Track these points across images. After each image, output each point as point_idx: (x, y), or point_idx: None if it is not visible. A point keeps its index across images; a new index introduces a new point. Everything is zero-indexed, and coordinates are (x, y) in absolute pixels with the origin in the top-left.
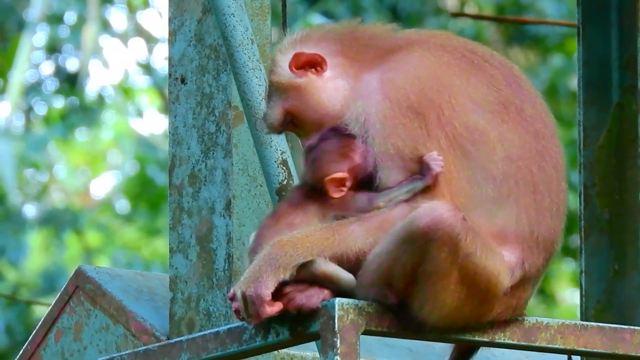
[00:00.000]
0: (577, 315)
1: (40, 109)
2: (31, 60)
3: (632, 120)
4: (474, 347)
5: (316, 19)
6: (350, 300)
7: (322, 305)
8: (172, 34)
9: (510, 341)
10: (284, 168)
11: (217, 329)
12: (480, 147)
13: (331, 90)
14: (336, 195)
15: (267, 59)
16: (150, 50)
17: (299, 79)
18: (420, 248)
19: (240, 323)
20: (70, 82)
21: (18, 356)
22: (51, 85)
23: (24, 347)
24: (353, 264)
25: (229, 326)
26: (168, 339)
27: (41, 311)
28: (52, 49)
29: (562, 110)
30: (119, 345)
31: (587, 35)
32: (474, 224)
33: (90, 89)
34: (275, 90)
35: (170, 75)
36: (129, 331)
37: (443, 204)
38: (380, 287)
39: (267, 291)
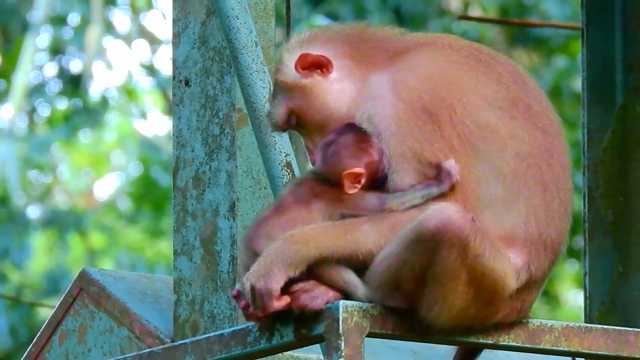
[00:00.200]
0: (581, 317)
1: (44, 111)
2: (34, 61)
3: (636, 122)
4: (477, 349)
5: (320, 20)
6: (355, 303)
7: (326, 307)
8: (176, 36)
9: (514, 343)
10: (288, 170)
11: (221, 332)
12: (491, 144)
13: (337, 91)
14: (350, 191)
15: (271, 61)
16: (153, 52)
17: (304, 79)
18: (430, 250)
19: (244, 325)
20: (74, 84)
21: (22, 358)
22: (55, 86)
23: (28, 349)
24: (362, 264)
25: (233, 329)
26: (172, 342)
27: (45, 313)
28: (56, 50)
29: (565, 111)
30: (123, 348)
31: (591, 36)
32: (483, 225)
33: (94, 91)
34: (280, 89)
35: (174, 77)
36: (133, 333)
37: (452, 205)
38: (388, 289)
39: (277, 285)
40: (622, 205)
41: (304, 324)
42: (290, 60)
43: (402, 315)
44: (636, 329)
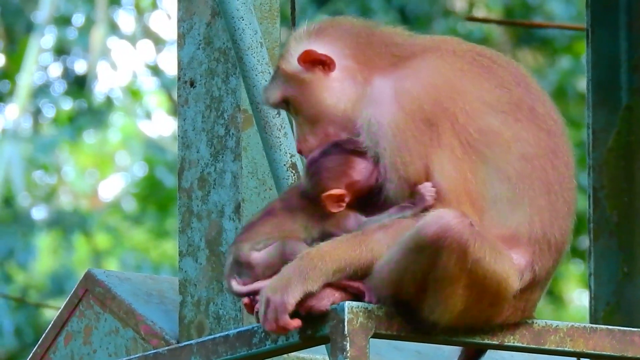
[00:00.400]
0: (585, 317)
1: (49, 111)
2: (39, 62)
3: None
4: (482, 349)
5: None
6: (360, 304)
7: (331, 308)
8: (181, 37)
9: (519, 344)
10: (294, 171)
11: (226, 333)
12: (496, 148)
13: (335, 91)
14: (335, 210)
15: (276, 62)
16: (158, 52)
17: (304, 73)
18: (430, 256)
19: (250, 326)
20: (79, 84)
21: (28, 359)
22: (59, 87)
23: (33, 351)
24: None
25: (238, 329)
26: (178, 343)
27: (50, 313)
28: (60, 51)
29: (570, 112)
30: (128, 349)
31: (596, 37)
32: (486, 227)
33: (99, 91)
34: (280, 74)
35: (179, 78)
36: (139, 334)
37: (450, 211)
38: (390, 294)
39: (292, 300)
40: (627, 205)
41: (310, 325)
42: (295, 51)
43: (407, 316)
44: None
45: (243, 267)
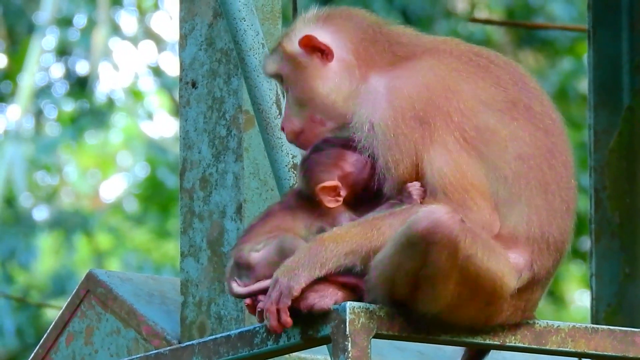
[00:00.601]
0: (586, 318)
1: (51, 112)
2: (41, 63)
3: None
4: (484, 350)
5: None
6: (362, 304)
7: (333, 308)
8: (183, 37)
9: (520, 344)
10: (295, 172)
11: (228, 333)
12: (493, 146)
13: (329, 81)
14: (331, 205)
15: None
16: (160, 53)
17: (302, 56)
18: (420, 252)
19: (251, 327)
20: (80, 85)
21: (29, 359)
22: (61, 88)
23: (35, 351)
24: None
25: (240, 330)
26: (179, 343)
27: (52, 314)
28: (62, 51)
29: (572, 113)
30: (130, 349)
31: (598, 38)
32: (485, 223)
33: (100, 92)
34: (280, 50)
35: (181, 79)
36: (140, 335)
37: (441, 207)
38: (384, 291)
39: (298, 286)
40: (628, 206)
41: (311, 326)
42: (299, 32)
43: (409, 316)
44: None
45: (243, 269)
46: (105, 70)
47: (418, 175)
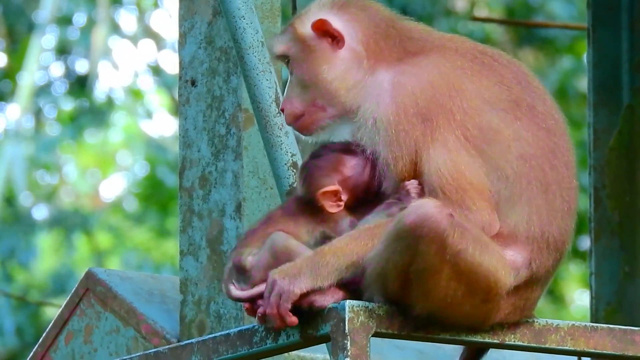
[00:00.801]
0: (586, 317)
1: (50, 111)
2: (41, 62)
3: None
4: (483, 348)
5: None
6: (361, 303)
7: (332, 307)
8: (183, 36)
9: (520, 343)
10: (294, 170)
11: (227, 331)
12: (495, 146)
13: (336, 68)
14: (333, 210)
15: (278, 62)
16: (159, 52)
17: (313, 40)
18: (409, 246)
19: (250, 325)
20: (80, 84)
21: (28, 358)
22: (61, 87)
23: (34, 349)
24: None
25: (239, 328)
26: (179, 342)
27: (51, 313)
28: (62, 50)
29: (571, 112)
30: (129, 348)
31: (598, 37)
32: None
33: (100, 91)
34: (291, 31)
35: (180, 77)
36: (140, 333)
37: (431, 201)
38: (377, 287)
39: (298, 291)
40: (628, 205)
41: (310, 324)
42: (313, 15)
43: (408, 315)
44: None
45: (240, 273)
46: (105, 69)
47: (417, 173)
